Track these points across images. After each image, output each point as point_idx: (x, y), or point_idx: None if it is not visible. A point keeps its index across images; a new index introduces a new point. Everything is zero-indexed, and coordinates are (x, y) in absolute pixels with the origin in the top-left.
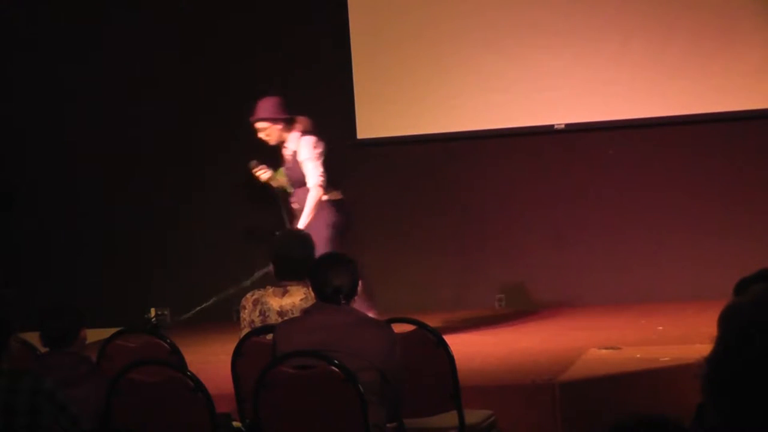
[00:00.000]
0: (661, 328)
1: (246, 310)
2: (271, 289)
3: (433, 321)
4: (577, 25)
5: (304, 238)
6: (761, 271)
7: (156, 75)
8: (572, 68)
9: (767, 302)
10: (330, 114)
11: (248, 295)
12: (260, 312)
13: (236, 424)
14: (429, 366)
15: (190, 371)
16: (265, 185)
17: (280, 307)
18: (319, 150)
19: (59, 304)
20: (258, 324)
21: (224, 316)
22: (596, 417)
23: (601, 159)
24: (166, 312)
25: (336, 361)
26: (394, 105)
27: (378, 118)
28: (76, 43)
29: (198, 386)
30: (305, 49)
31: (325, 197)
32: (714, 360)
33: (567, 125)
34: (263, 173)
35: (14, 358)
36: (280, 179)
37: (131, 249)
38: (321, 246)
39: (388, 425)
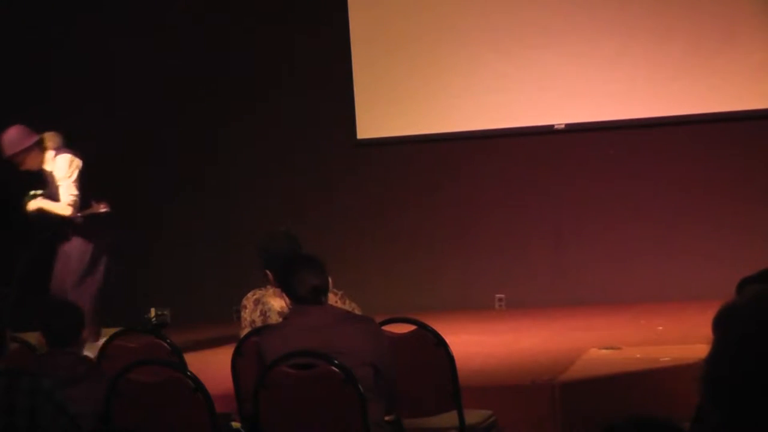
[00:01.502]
0: (661, 328)
1: (247, 310)
2: (271, 290)
3: (433, 321)
4: (577, 25)
5: (291, 235)
6: (764, 271)
7: (154, 76)
8: (572, 68)
9: (763, 302)
10: (330, 114)
11: (249, 295)
12: (261, 312)
13: (235, 424)
14: (429, 366)
15: (190, 371)
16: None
17: (281, 307)
18: (74, 167)
19: (62, 303)
20: (259, 324)
21: (224, 316)
22: (596, 417)
23: (601, 159)
24: (166, 312)
25: (336, 361)
26: (394, 105)
27: (378, 118)
28: (75, 43)
29: (198, 386)
30: (305, 49)
31: (78, 215)
32: (712, 361)
33: (567, 125)
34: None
35: (14, 358)
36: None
37: (131, 249)
38: (76, 260)
39: (386, 418)
